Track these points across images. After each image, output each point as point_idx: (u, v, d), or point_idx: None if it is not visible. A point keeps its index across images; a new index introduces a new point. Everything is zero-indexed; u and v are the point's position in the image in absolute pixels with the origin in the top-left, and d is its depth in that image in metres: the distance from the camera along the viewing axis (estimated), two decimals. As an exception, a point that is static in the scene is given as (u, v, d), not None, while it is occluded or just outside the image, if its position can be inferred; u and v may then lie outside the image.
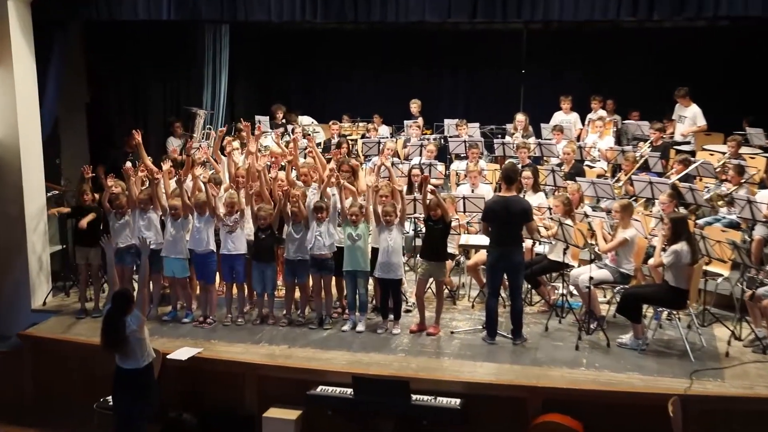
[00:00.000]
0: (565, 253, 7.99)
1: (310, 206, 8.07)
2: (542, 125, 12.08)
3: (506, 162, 9.90)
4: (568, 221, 8.08)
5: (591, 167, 10.96)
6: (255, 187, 8.30)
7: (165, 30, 11.12)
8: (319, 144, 12.90)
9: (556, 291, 8.55)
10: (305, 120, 13.54)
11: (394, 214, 7.80)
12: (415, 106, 13.16)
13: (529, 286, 8.60)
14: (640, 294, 7.50)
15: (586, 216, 8.61)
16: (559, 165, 10.57)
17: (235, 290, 8.43)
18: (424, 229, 8.04)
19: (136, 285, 8.60)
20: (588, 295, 7.71)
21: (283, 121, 13.17)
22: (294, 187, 8.27)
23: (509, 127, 12.28)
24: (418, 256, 8.11)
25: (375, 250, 7.96)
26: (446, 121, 12.43)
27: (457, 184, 10.49)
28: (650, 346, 7.46)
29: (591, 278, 7.61)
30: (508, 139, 11.79)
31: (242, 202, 8.20)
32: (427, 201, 7.76)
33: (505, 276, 7.77)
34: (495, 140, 11.53)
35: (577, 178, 9.81)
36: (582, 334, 7.63)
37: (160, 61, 12.12)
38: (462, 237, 8.64)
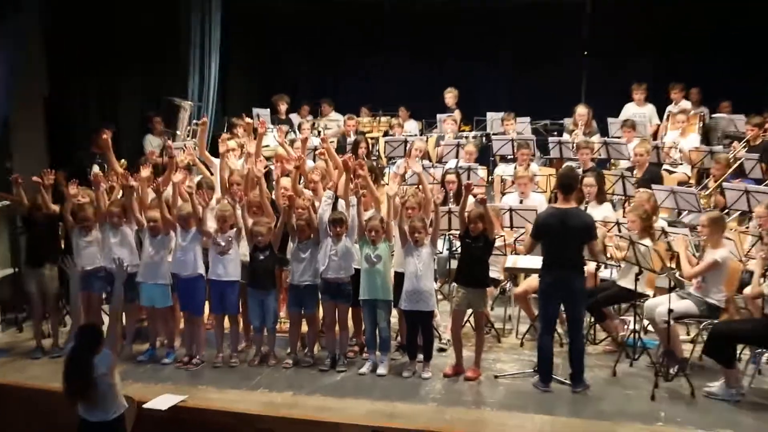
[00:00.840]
0: (637, 280, 7.94)
1: (321, 219, 8.16)
2: (609, 120, 12.11)
3: (564, 166, 9.92)
4: (646, 240, 8.06)
5: (670, 172, 10.97)
6: (252, 196, 8.39)
7: (142, 5, 11.31)
8: (330, 142, 13.03)
9: (626, 326, 8.53)
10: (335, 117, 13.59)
11: (423, 230, 7.81)
12: (450, 96, 13.21)
13: (592, 319, 8.59)
14: (734, 331, 7.42)
15: (665, 234, 8.59)
16: (630, 169, 10.57)
17: (227, 324, 8.46)
18: (460, 249, 8.07)
19: (105, 317, 8.69)
20: (667, 332, 7.65)
21: (288, 115, 13.32)
22: (301, 196, 8.34)
23: (567, 122, 12.31)
24: (454, 282, 8.12)
25: (399, 276, 8.00)
26: (489, 115, 12.51)
27: (503, 193, 10.56)
28: (746, 396, 7.37)
29: (670, 311, 7.56)
30: (566, 137, 11.82)
31: (238, 216, 8.25)
32: (466, 213, 7.78)
33: (563, 307, 7.77)
34: (550, 139, 11.58)
35: (653, 186, 9.81)
36: (659, 381, 7.59)
37: (135, 43, 12.29)
38: (509, 258, 8.63)
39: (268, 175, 8.94)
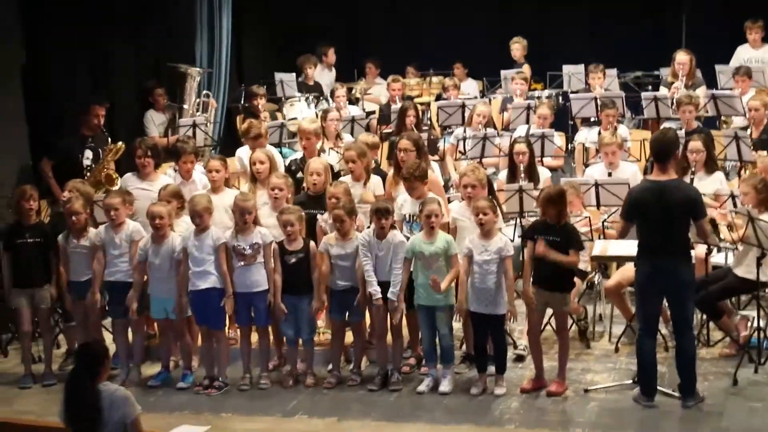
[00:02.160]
0: (759, 265, 7.87)
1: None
2: (717, 68, 11.96)
3: (661, 127, 9.82)
4: (765, 216, 7.96)
5: (798, 130, 10.79)
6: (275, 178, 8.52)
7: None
8: (372, 112, 13.08)
9: (748, 324, 8.44)
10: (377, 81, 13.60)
11: (491, 211, 7.82)
12: (518, 47, 13.18)
13: (704, 317, 8.53)
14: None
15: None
16: (746, 128, 10.43)
17: (255, 337, 8.50)
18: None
19: (110, 334, 8.88)
20: (800, 330, 7.59)
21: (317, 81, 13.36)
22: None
23: (665, 73, 12.17)
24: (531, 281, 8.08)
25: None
26: (566, 69, 12.43)
27: (585, 165, 10.52)
28: None
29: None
30: (663, 91, 11.69)
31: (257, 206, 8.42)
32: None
33: (666, 303, 7.71)
34: (643, 94, 11.46)
35: (775, 148, 9.71)
36: (793, 390, 7.52)
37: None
38: (596, 245, 8.55)
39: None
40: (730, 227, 8.28)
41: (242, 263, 8.27)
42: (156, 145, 9.60)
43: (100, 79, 12.17)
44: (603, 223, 8.91)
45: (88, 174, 10.24)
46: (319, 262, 8.22)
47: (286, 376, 8.44)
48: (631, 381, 7.84)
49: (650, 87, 12.19)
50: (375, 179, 9.09)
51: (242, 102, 12.80)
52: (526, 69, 12.86)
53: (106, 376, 6.20)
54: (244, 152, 9.96)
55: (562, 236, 7.72)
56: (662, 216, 7.31)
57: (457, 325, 8.36)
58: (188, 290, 8.32)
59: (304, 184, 9.13)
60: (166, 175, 9.62)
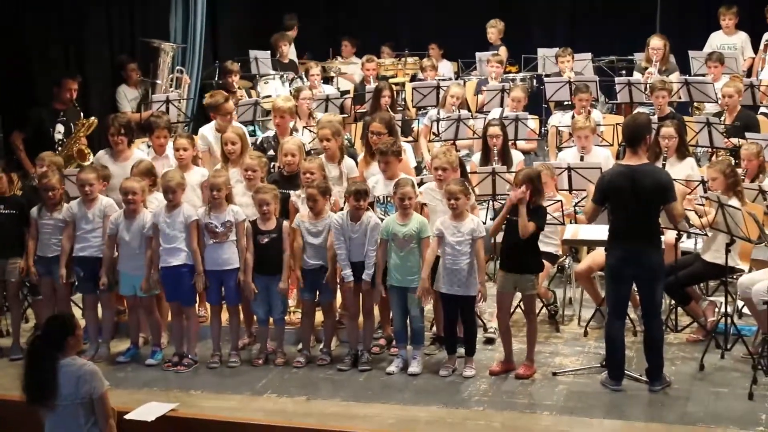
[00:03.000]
0: (728, 252, 7.93)
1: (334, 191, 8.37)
2: (691, 54, 12.02)
3: (634, 112, 9.88)
4: (734, 201, 8.03)
5: (770, 117, 10.90)
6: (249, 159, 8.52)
7: None
8: (347, 92, 13.07)
9: (715, 309, 8.51)
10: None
11: (462, 195, 7.85)
12: (494, 30, 13.18)
13: (673, 302, 8.60)
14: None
15: (764, 194, 8.55)
16: (718, 114, 10.50)
17: (225, 315, 8.53)
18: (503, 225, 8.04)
19: (79, 310, 8.91)
20: (767, 316, 7.65)
21: (292, 59, 13.31)
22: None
23: (638, 58, 12.21)
24: (499, 266, 8.17)
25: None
26: (540, 52, 12.44)
27: (558, 148, 10.54)
28: None
29: (771, 289, 7.57)
30: (636, 76, 11.74)
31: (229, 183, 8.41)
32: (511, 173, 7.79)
33: (635, 288, 7.76)
34: (617, 79, 11.53)
35: (747, 135, 9.74)
36: (758, 376, 7.51)
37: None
38: (567, 228, 8.64)
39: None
40: (699, 214, 8.34)
41: (214, 241, 8.28)
42: (129, 122, 9.54)
43: (71, 53, 12.10)
44: (575, 207, 8.96)
45: (60, 148, 10.25)
46: (293, 237, 8.24)
47: (257, 354, 8.47)
48: (599, 365, 7.89)
49: (624, 72, 12.21)
50: (349, 161, 9.08)
51: (216, 78, 12.74)
52: (503, 51, 12.85)
53: (74, 351, 6.19)
54: (208, 130, 9.87)
55: (533, 218, 7.70)
56: (634, 200, 7.35)
57: (428, 306, 8.38)
58: (159, 267, 8.32)
59: (276, 163, 9.13)
60: (140, 150, 9.59)
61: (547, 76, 11.92)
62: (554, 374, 7.93)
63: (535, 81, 12.15)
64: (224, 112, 9.69)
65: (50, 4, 11.73)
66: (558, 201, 8.71)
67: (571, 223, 8.81)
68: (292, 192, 8.63)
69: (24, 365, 6.14)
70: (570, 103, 11.33)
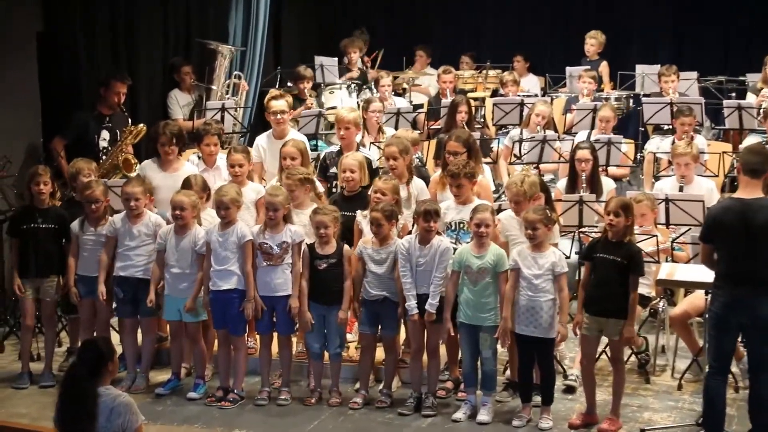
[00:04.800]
0: None
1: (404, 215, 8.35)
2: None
3: (745, 140, 9.65)
4: None
5: None
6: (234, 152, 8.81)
7: None
8: (420, 105, 12.98)
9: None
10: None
11: (542, 224, 7.71)
12: (593, 43, 13.10)
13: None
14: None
15: None
16: None
17: (275, 348, 8.46)
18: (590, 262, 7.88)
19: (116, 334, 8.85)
20: None
21: (363, 66, 13.25)
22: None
23: (752, 79, 12.00)
24: (584, 307, 7.94)
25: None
26: (639, 69, 12.31)
27: (656, 177, 10.43)
28: None
29: None
30: (749, 99, 11.54)
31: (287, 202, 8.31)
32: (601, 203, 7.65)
33: (740, 338, 7.57)
34: (725, 102, 11.34)
35: None
36: None
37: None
38: (663, 267, 8.40)
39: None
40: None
41: (267, 263, 8.20)
42: (182, 131, 9.52)
43: (121, 53, 12.10)
44: (672, 243, 8.78)
45: (104, 157, 10.23)
46: (354, 266, 8.15)
47: (309, 392, 8.38)
48: (694, 423, 7.69)
49: (734, 94, 11.98)
50: (419, 182, 8.96)
51: (277, 86, 12.71)
52: (604, 67, 12.86)
53: (110, 379, 6.13)
54: (263, 139, 9.86)
55: (625, 257, 7.55)
56: (745, 239, 7.10)
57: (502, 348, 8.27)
58: (209, 289, 8.26)
59: (338, 182, 9.05)
60: (189, 162, 9.58)
61: (646, 95, 11.88)
62: (643, 431, 7.74)
63: (631, 101, 11.99)
64: (272, 110, 9.66)
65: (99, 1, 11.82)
66: (654, 236, 8.51)
67: (667, 261, 8.65)
68: (359, 212, 8.55)
69: (59, 395, 6.03)
70: (670, 127, 11.23)
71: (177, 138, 9.22)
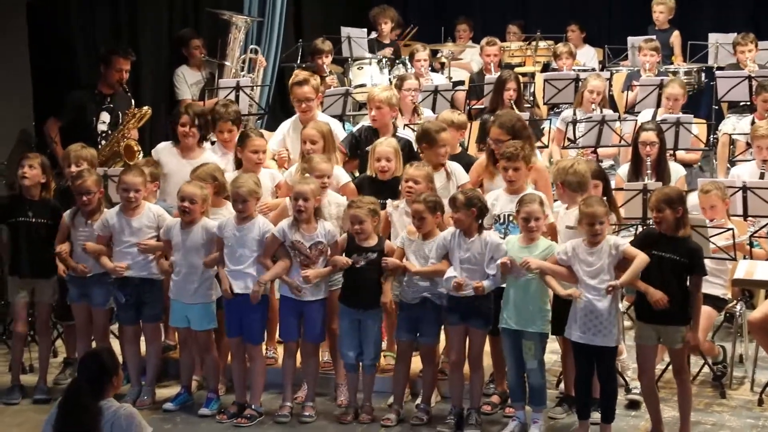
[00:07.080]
0: None
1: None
2: None
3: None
4: None
5: None
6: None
7: None
8: (460, 82, 12.85)
9: None
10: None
11: (605, 217, 7.56)
12: (663, 9, 13.20)
13: None
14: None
15: None
16: None
17: (300, 357, 8.37)
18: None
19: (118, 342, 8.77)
20: None
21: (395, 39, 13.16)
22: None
23: None
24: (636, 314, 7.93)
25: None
26: (713, 38, 12.38)
27: (731, 162, 10.51)
28: None
29: None
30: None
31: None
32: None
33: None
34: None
35: None
36: None
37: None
38: (740, 265, 8.35)
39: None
40: None
41: (299, 261, 8.12)
42: (204, 113, 9.40)
43: (123, 26, 12.14)
44: (750, 237, 8.65)
45: (104, 142, 10.22)
46: (397, 258, 8.08)
47: (337, 408, 8.35)
48: (779, 443, 7.50)
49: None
50: (454, 166, 8.78)
51: (298, 62, 12.63)
52: (676, 37, 12.89)
53: (113, 394, 6.18)
54: (288, 124, 9.82)
55: (683, 254, 7.42)
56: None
57: (555, 356, 8.28)
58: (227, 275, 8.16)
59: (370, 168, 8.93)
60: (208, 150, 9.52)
61: (720, 68, 11.94)
62: (717, 452, 7.51)
63: (703, 75, 11.86)
64: (296, 98, 9.53)
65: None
66: (729, 230, 8.29)
67: (744, 258, 8.53)
68: (389, 201, 8.45)
69: (58, 413, 6.04)
70: (749, 104, 11.15)
71: (200, 120, 9.17)
